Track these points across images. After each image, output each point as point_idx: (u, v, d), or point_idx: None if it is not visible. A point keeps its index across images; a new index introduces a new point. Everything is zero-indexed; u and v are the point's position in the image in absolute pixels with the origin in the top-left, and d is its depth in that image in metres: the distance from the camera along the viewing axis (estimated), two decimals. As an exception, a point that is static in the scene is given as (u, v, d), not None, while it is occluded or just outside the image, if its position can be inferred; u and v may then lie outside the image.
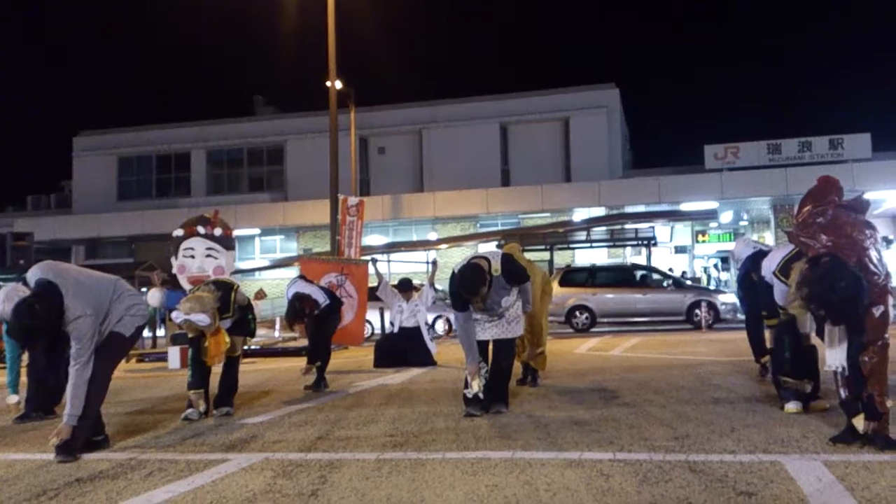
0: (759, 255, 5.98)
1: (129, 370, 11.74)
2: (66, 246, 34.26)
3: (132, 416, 6.27)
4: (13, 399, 6.79)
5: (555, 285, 18.61)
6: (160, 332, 17.66)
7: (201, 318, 5.74)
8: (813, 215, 4.16)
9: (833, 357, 4.05)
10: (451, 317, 5.74)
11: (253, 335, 7.08)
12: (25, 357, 6.83)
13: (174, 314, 6.14)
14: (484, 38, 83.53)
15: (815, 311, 3.94)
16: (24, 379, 6.76)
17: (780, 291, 4.82)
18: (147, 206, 34.21)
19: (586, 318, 18.19)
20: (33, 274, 4.59)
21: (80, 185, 36.54)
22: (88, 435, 4.67)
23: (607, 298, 18.25)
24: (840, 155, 28.12)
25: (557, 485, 3.40)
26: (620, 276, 19.48)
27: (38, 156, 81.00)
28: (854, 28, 79.37)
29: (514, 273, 5.64)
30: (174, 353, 11.84)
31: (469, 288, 5.32)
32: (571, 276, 19.20)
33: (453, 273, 5.53)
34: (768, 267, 5.05)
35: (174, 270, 10.53)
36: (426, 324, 10.59)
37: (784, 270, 4.70)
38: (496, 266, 5.50)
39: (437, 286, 10.89)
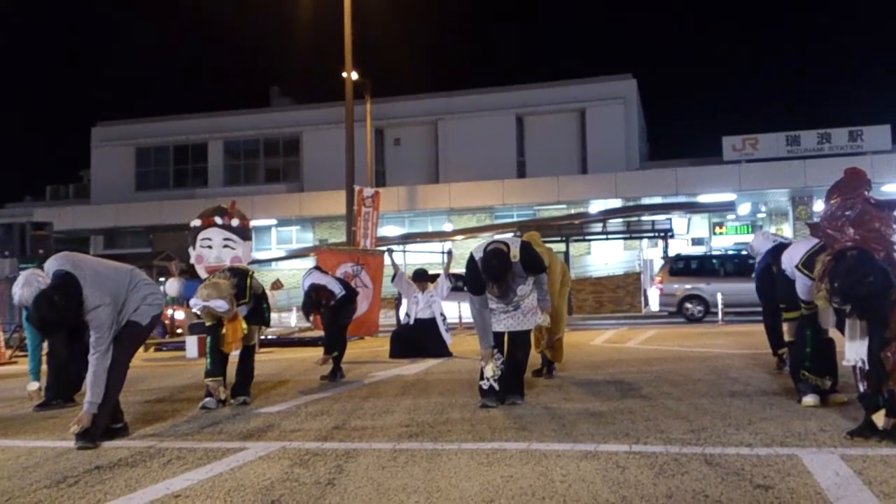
0: (780, 248, 5.94)
1: (148, 359, 11.85)
2: (85, 236, 34.57)
3: (151, 405, 6.33)
4: (34, 386, 6.89)
5: (664, 274, 18.40)
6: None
7: (219, 304, 5.80)
8: (841, 208, 4.12)
9: (853, 351, 4.01)
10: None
11: (268, 324, 7.14)
12: (46, 344, 6.91)
13: (192, 301, 6.19)
14: (499, 29, 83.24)
15: (839, 305, 3.90)
16: (44, 367, 6.85)
17: (803, 285, 4.78)
18: (165, 196, 34.43)
19: (700, 308, 17.90)
20: (51, 266, 4.62)
21: (98, 175, 36.81)
22: (108, 422, 4.72)
23: (723, 288, 17.50)
24: (859, 147, 27.86)
25: (573, 476, 3.40)
26: (736, 265, 18.77)
27: (57, 146, 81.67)
28: (874, 18, 78.37)
29: (532, 262, 5.62)
30: (192, 343, 11.93)
31: (495, 274, 5.29)
32: (682, 265, 18.87)
33: (471, 257, 5.51)
34: (790, 260, 5.00)
35: (192, 260, 10.60)
36: (441, 315, 10.60)
37: (808, 264, 4.66)
38: (514, 252, 5.49)
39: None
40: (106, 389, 4.58)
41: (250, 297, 6.24)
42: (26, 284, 4.44)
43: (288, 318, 22.52)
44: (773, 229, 28.38)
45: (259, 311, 6.51)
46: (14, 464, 4.16)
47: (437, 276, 11.11)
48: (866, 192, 4.21)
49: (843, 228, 4.03)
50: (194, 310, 6.36)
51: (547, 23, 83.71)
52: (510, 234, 24.85)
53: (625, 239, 29.33)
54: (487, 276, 5.31)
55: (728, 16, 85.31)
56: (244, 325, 6.26)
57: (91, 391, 4.55)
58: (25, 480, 3.75)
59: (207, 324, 6.15)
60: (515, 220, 30.46)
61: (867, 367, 3.97)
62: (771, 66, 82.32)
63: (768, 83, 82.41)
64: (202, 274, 10.23)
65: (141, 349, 8.09)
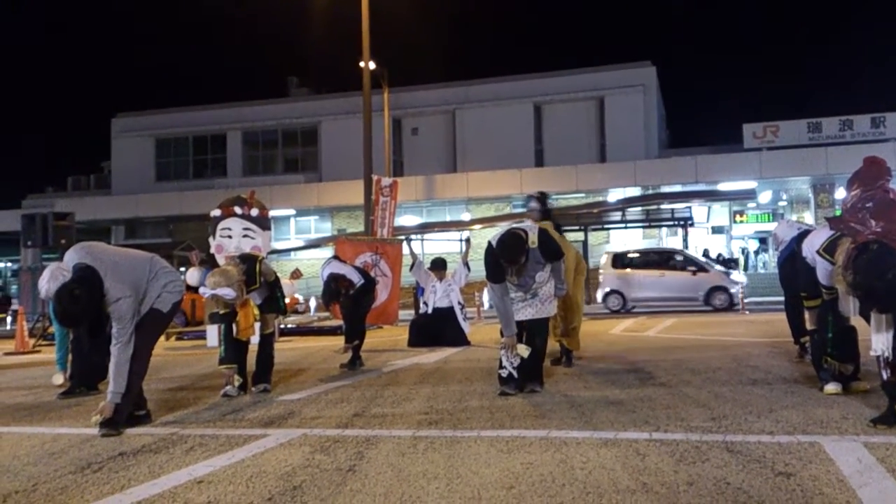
0: (804, 235, 5.88)
1: (169, 348, 11.96)
2: (106, 226, 34.89)
3: (173, 393, 6.39)
4: (59, 379, 7.02)
5: None
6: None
7: (227, 292, 5.84)
8: (862, 200, 4.08)
9: (879, 342, 3.99)
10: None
11: (285, 313, 7.15)
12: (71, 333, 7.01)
13: (201, 289, 6.25)
14: (517, 17, 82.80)
15: (861, 299, 3.88)
16: (70, 356, 6.93)
17: (824, 270, 4.74)
18: (184, 186, 34.66)
19: None
20: (70, 258, 4.64)
21: (118, 166, 37.12)
22: (131, 409, 4.77)
23: None
24: (882, 133, 27.52)
25: (593, 463, 3.40)
26: None
27: (78, 137, 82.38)
28: (899, 2, 77.08)
29: (550, 248, 5.61)
30: (212, 331, 12.01)
31: (509, 255, 5.30)
32: None
33: (489, 244, 5.51)
34: (810, 246, 4.96)
35: (212, 250, 10.68)
36: (459, 303, 10.61)
37: (829, 249, 4.62)
38: (533, 238, 5.49)
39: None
40: (129, 378, 4.62)
41: (261, 282, 6.26)
42: (52, 279, 4.48)
43: (307, 307, 22.62)
44: (794, 217, 28.14)
45: (273, 298, 6.53)
46: (39, 450, 4.22)
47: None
48: (887, 183, 4.16)
49: (865, 221, 3.99)
50: (204, 296, 6.41)
51: (565, 10, 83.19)
52: (528, 223, 24.77)
53: (644, 227, 29.20)
54: (502, 257, 5.31)
55: (749, 1, 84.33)
56: (256, 311, 6.30)
57: (114, 381, 4.59)
58: (51, 466, 3.80)
59: (221, 312, 6.19)
60: (534, 208, 30.33)
61: (892, 356, 3.93)
62: (792, 51, 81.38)
63: (790, 69, 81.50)
64: (222, 263, 10.31)
65: (162, 338, 8.17)
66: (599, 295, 19.52)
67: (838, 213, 5.21)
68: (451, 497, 2.99)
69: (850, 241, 4.10)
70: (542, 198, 7.53)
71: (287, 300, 7.37)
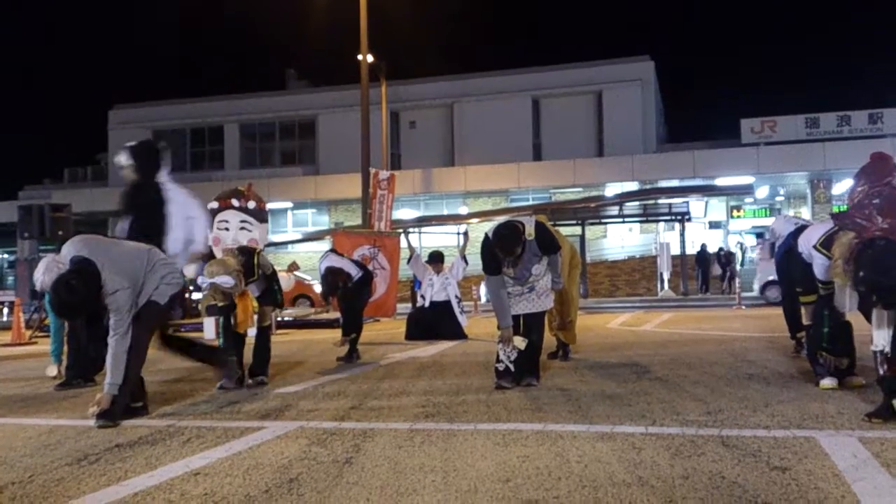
0: (801, 230, 5.90)
1: (165, 340, 11.93)
2: (103, 218, 34.78)
3: (170, 385, 6.39)
4: (53, 371, 7.02)
5: None
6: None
7: (226, 280, 5.84)
8: (869, 196, 4.07)
9: (880, 337, 4.00)
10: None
11: (282, 306, 7.16)
12: (66, 325, 7.00)
13: (200, 279, 6.25)
14: (516, 11, 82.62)
15: (864, 294, 3.89)
16: (66, 347, 6.93)
17: (820, 265, 4.75)
18: (181, 179, 34.00)
19: None
20: (67, 251, 4.63)
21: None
22: (127, 401, 4.77)
23: None
24: (879, 129, 27.55)
25: (589, 457, 3.40)
26: None
27: (75, 129, 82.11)
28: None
29: (547, 241, 5.62)
30: (209, 324, 12.00)
31: (505, 245, 5.30)
32: None
33: (486, 236, 5.52)
34: (807, 242, 4.97)
35: (209, 243, 10.66)
36: (456, 297, 10.62)
37: (826, 244, 4.63)
38: (530, 230, 5.50)
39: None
40: (126, 370, 4.62)
41: (259, 274, 6.27)
42: (47, 271, 4.48)
43: (304, 301, 22.60)
44: (791, 212, 28.19)
45: (270, 291, 6.53)
46: (36, 441, 4.22)
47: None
48: (894, 179, 4.16)
49: (871, 217, 3.99)
50: (202, 286, 6.42)
51: (564, 4, 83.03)
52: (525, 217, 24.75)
53: (641, 222, 29.21)
54: (499, 248, 5.32)
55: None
56: (254, 303, 6.31)
57: (111, 373, 4.59)
58: (47, 458, 3.80)
59: (219, 304, 6.18)
60: (531, 203, 30.41)
61: (891, 352, 3.95)
62: (791, 47, 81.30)
63: (788, 65, 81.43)
64: (219, 256, 10.31)
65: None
66: (756, 285, 18.79)
67: (835, 209, 5.22)
68: (447, 490, 3.00)
69: (855, 237, 4.10)
70: (143, 149, 5.93)
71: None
